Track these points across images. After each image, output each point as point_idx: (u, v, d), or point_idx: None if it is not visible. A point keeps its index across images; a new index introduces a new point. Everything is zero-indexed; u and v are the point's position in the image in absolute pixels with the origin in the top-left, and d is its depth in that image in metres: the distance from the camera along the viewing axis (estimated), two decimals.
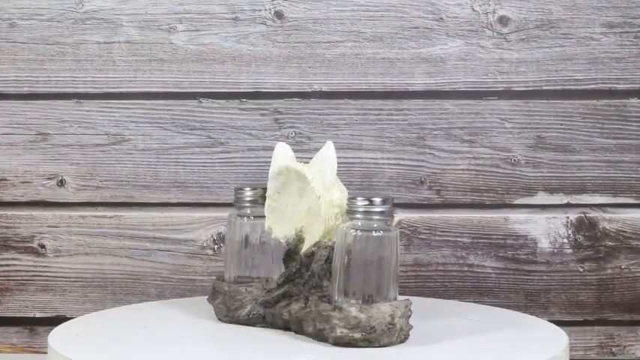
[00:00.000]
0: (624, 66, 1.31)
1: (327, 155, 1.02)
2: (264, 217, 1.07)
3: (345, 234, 0.97)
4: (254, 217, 1.08)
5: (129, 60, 1.32)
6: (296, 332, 1.02)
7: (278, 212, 1.05)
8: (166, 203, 1.33)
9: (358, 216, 0.97)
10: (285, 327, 1.03)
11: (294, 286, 1.04)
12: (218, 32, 1.32)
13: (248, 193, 1.08)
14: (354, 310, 0.96)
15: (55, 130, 1.33)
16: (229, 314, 1.06)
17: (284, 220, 1.05)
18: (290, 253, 1.05)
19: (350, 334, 0.96)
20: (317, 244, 1.02)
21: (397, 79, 1.31)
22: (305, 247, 1.04)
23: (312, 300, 1.00)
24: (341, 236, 0.98)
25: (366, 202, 0.97)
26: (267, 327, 1.05)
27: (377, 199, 0.97)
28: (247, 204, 1.08)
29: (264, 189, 1.07)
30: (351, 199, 0.98)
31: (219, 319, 1.07)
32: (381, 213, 0.97)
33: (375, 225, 0.97)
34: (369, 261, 0.97)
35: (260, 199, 1.08)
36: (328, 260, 1.00)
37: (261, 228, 1.07)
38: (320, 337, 0.98)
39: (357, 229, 0.97)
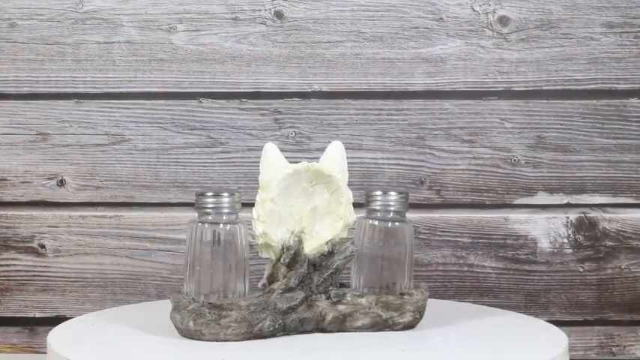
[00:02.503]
0: (624, 66, 1.31)
1: (343, 156, 1.05)
2: (231, 223, 1.01)
3: (372, 228, 1.05)
4: (218, 223, 1.01)
5: (129, 60, 1.32)
6: (330, 331, 1.03)
7: (275, 216, 1.03)
8: (166, 203, 1.33)
9: (378, 208, 1.05)
10: (315, 329, 1.02)
11: (303, 287, 1.03)
12: (218, 32, 1.32)
13: (222, 199, 1.01)
14: (419, 294, 1.05)
15: (55, 130, 1.33)
16: (249, 330, 0.99)
17: (278, 223, 1.03)
18: (295, 255, 1.03)
19: (416, 317, 1.05)
20: (330, 242, 1.04)
21: (397, 79, 1.31)
22: (310, 247, 1.03)
23: (355, 295, 1.03)
24: (367, 230, 1.05)
25: (393, 196, 1.05)
26: (288, 334, 1.02)
27: (395, 193, 1.06)
28: (211, 210, 1.01)
29: (236, 193, 1.02)
30: (379, 194, 1.05)
31: (224, 340, 0.98)
32: (401, 205, 1.05)
33: (391, 216, 1.05)
34: (393, 251, 1.05)
35: (234, 205, 1.02)
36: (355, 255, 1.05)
37: (227, 234, 1.01)
38: (381, 326, 1.04)
39: (384, 221, 1.05)
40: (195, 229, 1.01)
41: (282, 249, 1.03)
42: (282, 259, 1.03)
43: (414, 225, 1.32)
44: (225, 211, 1.02)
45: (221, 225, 1.01)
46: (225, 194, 1.02)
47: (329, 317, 1.03)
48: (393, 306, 1.04)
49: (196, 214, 1.03)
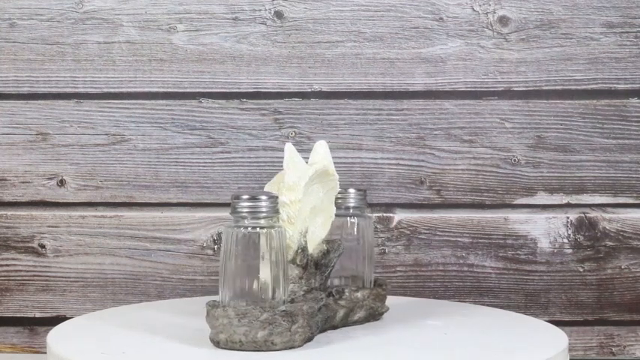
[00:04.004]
0: (624, 66, 1.31)
1: (329, 155, 1.05)
2: (269, 227, 0.96)
3: (335, 224, 1.06)
4: (258, 227, 0.96)
5: (129, 60, 1.32)
6: (338, 327, 1.05)
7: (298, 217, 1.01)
8: (166, 203, 1.33)
9: (338, 205, 1.08)
10: (330, 326, 1.04)
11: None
12: (218, 32, 1.32)
13: (262, 203, 0.96)
14: (387, 285, 1.11)
15: (55, 130, 1.33)
16: (309, 335, 0.97)
17: (295, 224, 1.02)
18: (307, 256, 1.01)
19: (387, 306, 1.11)
20: (325, 241, 1.04)
21: (397, 79, 1.31)
22: (313, 246, 1.03)
23: (352, 290, 1.06)
24: (346, 226, 1.09)
25: (352, 194, 1.10)
26: (314, 334, 1.00)
27: (353, 190, 1.10)
28: (246, 214, 0.95)
29: (277, 196, 0.98)
30: (339, 191, 1.07)
31: (293, 347, 0.95)
32: (359, 201, 1.10)
33: (351, 212, 1.10)
34: (354, 246, 1.10)
35: (275, 207, 0.97)
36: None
37: (268, 238, 0.96)
38: (371, 317, 1.08)
39: (344, 217, 1.10)
40: (234, 234, 0.95)
41: (297, 250, 1.00)
42: (298, 261, 1.00)
43: (414, 225, 1.33)
44: (264, 214, 0.96)
45: (258, 229, 0.96)
46: (264, 197, 0.96)
47: (340, 314, 1.05)
48: (381, 297, 1.09)
49: (232, 218, 0.96)
